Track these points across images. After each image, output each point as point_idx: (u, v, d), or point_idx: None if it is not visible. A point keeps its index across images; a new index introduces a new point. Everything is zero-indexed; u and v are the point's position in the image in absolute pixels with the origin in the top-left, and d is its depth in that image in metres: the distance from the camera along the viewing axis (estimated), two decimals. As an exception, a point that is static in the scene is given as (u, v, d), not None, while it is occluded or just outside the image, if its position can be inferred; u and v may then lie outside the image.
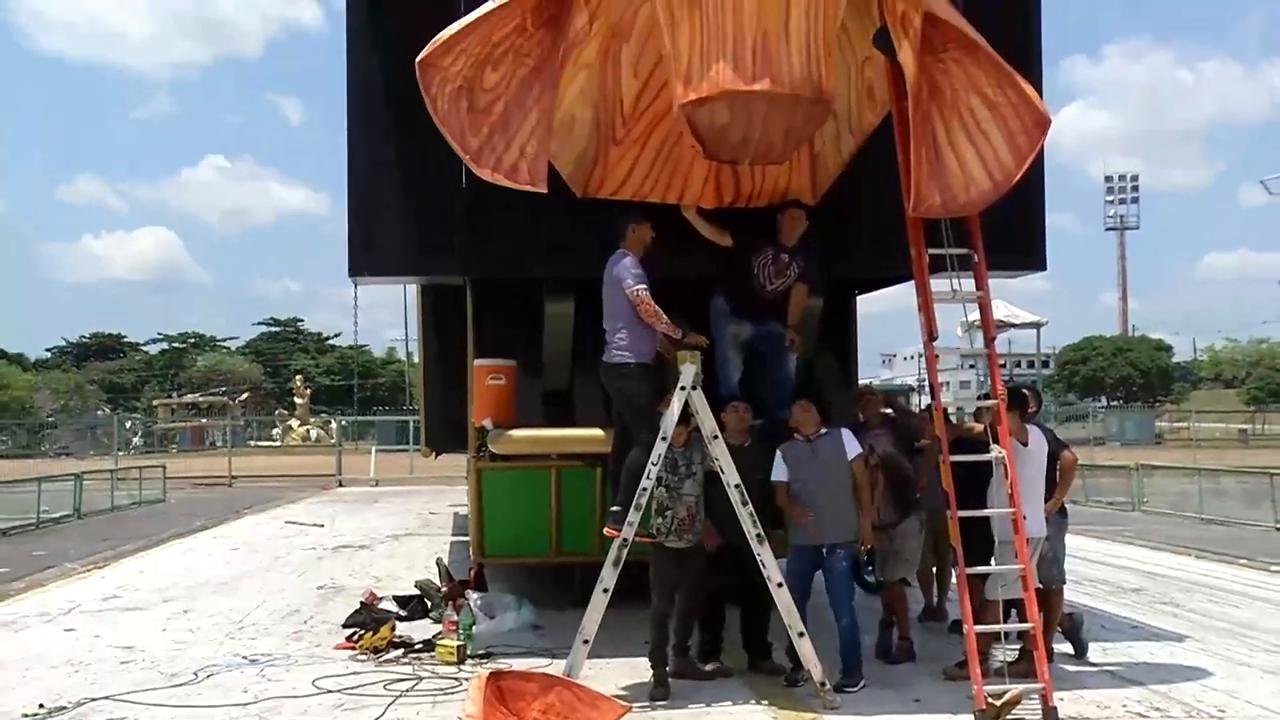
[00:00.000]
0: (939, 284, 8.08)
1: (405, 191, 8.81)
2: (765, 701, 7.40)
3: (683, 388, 7.47)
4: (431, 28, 6.84)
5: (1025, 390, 8.45)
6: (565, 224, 8.50)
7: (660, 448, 7.41)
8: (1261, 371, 68.50)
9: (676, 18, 6.46)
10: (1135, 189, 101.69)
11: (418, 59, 6.66)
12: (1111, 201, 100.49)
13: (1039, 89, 8.11)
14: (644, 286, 7.58)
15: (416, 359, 15.35)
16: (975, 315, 8.56)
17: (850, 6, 7.00)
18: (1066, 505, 8.50)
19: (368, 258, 8.95)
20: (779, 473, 7.89)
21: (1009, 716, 6.86)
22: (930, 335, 7.89)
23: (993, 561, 7.59)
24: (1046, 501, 7.96)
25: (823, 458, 7.89)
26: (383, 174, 8.84)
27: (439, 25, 6.83)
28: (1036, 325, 41.41)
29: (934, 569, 9.87)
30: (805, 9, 6.28)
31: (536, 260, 8.86)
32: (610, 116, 8.01)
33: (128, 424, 54.64)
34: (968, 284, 8.12)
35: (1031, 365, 58.53)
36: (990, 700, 6.81)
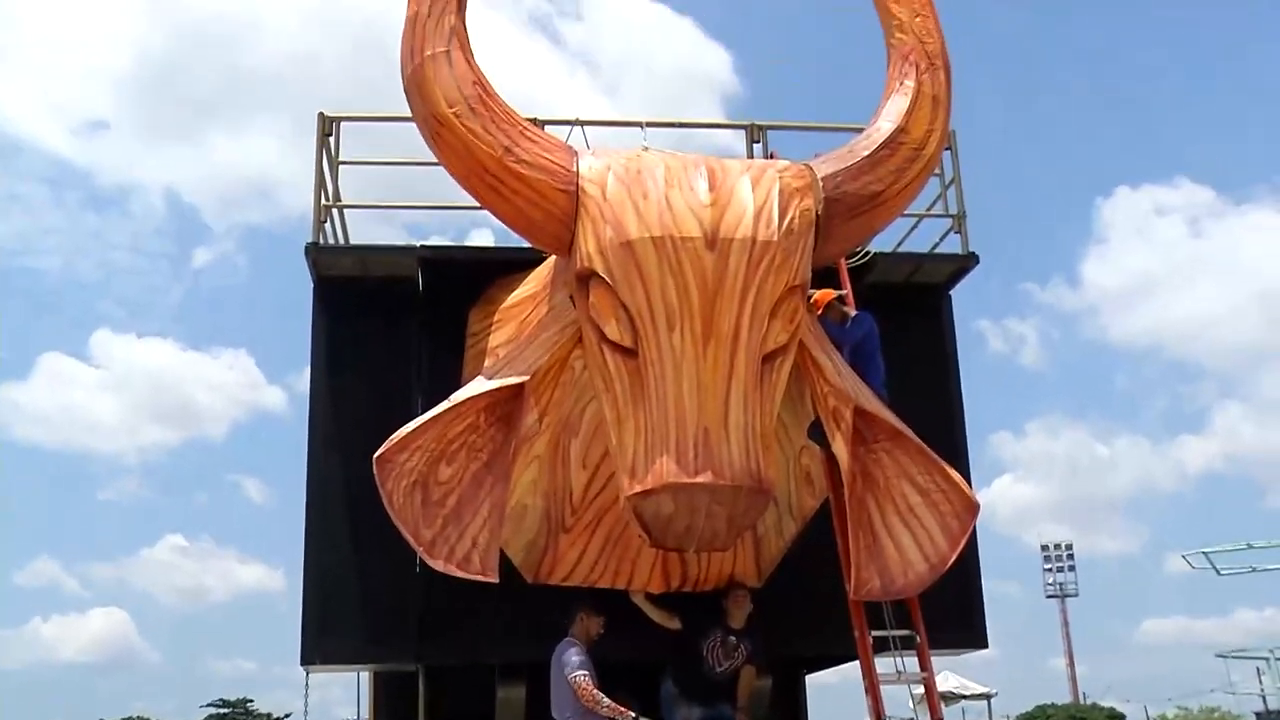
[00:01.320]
0: (884, 664, 8.22)
1: (360, 582, 8.94)
2: None
3: (635, 774, 7.46)
4: (389, 425, 7.14)
5: None
6: (517, 610, 8.60)
7: (612, 838, 7.31)
8: (1218, 743, 67.07)
9: (622, 414, 6.76)
10: (1071, 557, 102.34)
11: (375, 455, 6.89)
12: (1050, 570, 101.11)
13: (966, 474, 8.57)
14: (584, 674, 7.72)
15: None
16: (921, 692, 8.64)
17: (786, 401, 7.43)
18: None
19: (320, 648, 8.95)
20: None
21: None
22: (878, 717, 7.97)
23: None
24: None
25: None
26: (338, 565, 8.98)
27: (397, 422, 7.15)
28: (987, 697, 40.81)
29: None
30: (743, 405, 6.59)
31: (489, 647, 8.90)
32: (560, 506, 8.29)
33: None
34: (912, 662, 8.28)
35: (987, 736, 57.26)
36: None
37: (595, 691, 7.65)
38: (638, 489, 6.55)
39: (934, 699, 8.18)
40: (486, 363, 8.27)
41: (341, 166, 9.89)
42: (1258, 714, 24.18)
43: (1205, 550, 22.81)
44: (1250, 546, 23.02)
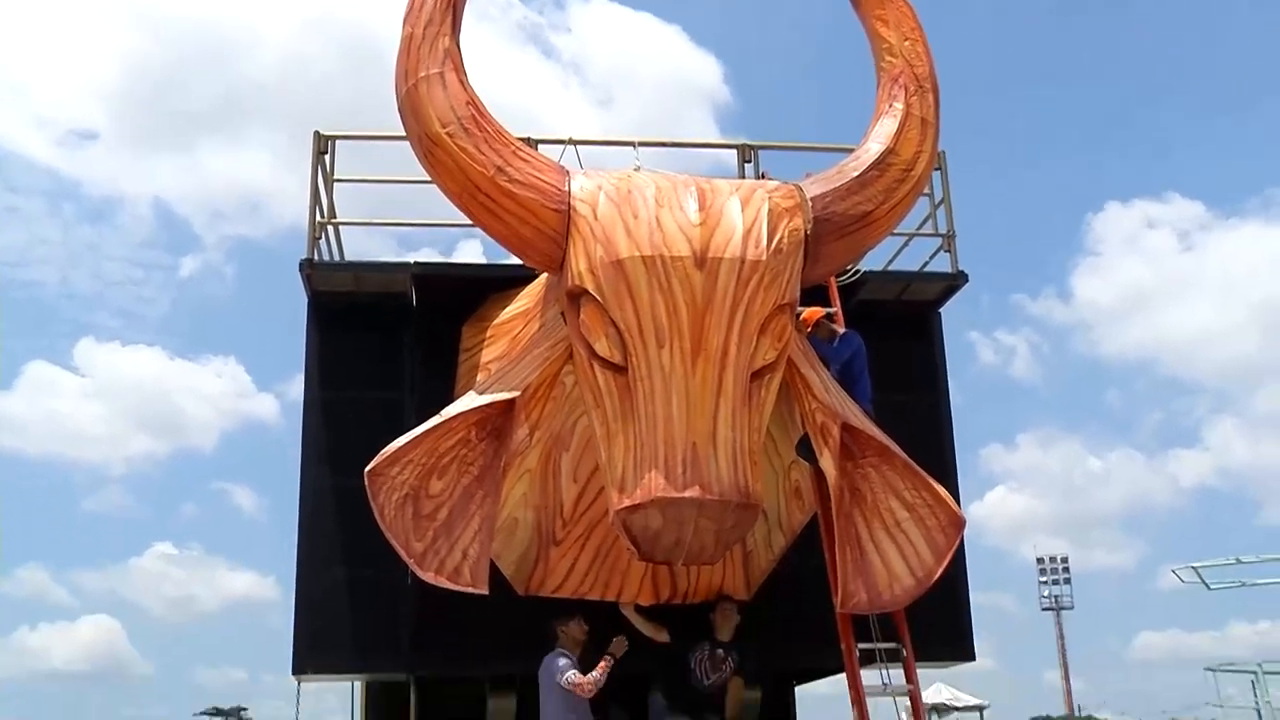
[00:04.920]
0: (871, 676, 8.30)
1: (351, 594, 9.01)
2: None
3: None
4: (381, 439, 7.23)
5: None
6: (508, 622, 8.67)
7: None
8: (1215, 757, 67.16)
9: (612, 429, 6.88)
10: (1066, 570, 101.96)
11: (367, 469, 6.99)
12: (1045, 582, 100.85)
13: (955, 491, 8.65)
14: (574, 672, 7.91)
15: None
16: (907, 703, 8.72)
17: (774, 417, 7.53)
18: None
19: (312, 658, 9.03)
20: None
21: None
22: (864, 729, 8.05)
23: None
24: None
25: None
26: (329, 577, 9.06)
27: (389, 436, 7.24)
28: (979, 708, 40.78)
29: None
30: (732, 421, 6.70)
31: (480, 658, 8.97)
32: (551, 519, 8.38)
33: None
34: (898, 675, 8.36)
35: (981, 750, 57.41)
36: None
37: (586, 679, 7.86)
38: (627, 503, 6.66)
39: (919, 712, 8.27)
40: (478, 378, 8.37)
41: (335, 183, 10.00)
42: (1252, 728, 24.19)
43: (1195, 565, 22.90)
44: (1239, 561, 23.11)
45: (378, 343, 9.58)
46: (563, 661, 7.96)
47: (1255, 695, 22.20)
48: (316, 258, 9.66)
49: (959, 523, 7.70)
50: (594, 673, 7.89)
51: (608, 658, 7.95)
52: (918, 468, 7.69)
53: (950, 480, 9.18)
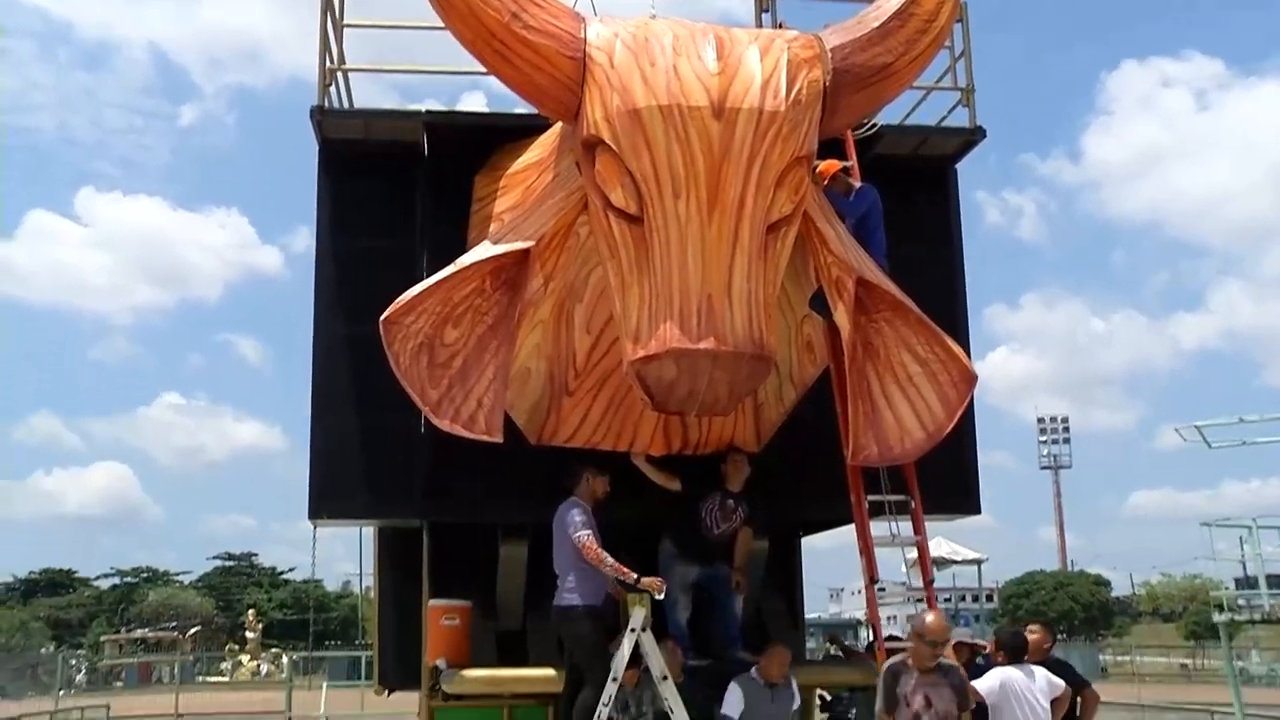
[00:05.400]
0: (879, 528, 8.45)
1: (366, 441, 9.11)
2: None
3: (633, 630, 7.68)
4: (394, 288, 7.25)
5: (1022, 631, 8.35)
6: (520, 471, 8.75)
7: (610, 689, 7.56)
8: (1197, 607, 68.95)
9: (626, 280, 6.89)
10: (1066, 430, 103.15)
11: (382, 317, 7.02)
12: (1045, 442, 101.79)
13: (966, 346, 8.68)
14: (588, 533, 7.88)
15: (371, 594, 15.32)
16: (914, 555, 8.88)
17: (789, 270, 7.52)
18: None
19: (327, 503, 9.18)
20: (730, 707, 8.03)
21: None
22: (871, 578, 8.21)
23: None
24: None
25: (776, 706, 8.05)
26: (344, 424, 9.15)
27: (401, 286, 7.26)
28: (978, 562, 41.64)
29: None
30: (746, 273, 6.69)
31: (492, 506, 9.10)
32: (564, 370, 8.42)
33: (71, 661, 53.16)
34: (906, 527, 8.49)
35: (976, 600, 58.79)
36: None
37: (600, 550, 7.83)
38: (641, 354, 6.69)
39: (926, 562, 8.43)
40: (492, 228, 8.33)
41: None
42: (1236, 580, 24.70)
43: (1198, 424, 23.04)
44: (1242, 420, 23.27)
45: (389, 191, 9.52)
46: (579, 517, 7.97)
47: (1242, 549, 22.57)
48: (326, 105, 9.54)
49: (971, 378, 7.74)
50: (610, 558, 7.79)
51: (637, 576, 7.78)
52: (931, 323, 7.71)
53: (962, 336, 9.19)
